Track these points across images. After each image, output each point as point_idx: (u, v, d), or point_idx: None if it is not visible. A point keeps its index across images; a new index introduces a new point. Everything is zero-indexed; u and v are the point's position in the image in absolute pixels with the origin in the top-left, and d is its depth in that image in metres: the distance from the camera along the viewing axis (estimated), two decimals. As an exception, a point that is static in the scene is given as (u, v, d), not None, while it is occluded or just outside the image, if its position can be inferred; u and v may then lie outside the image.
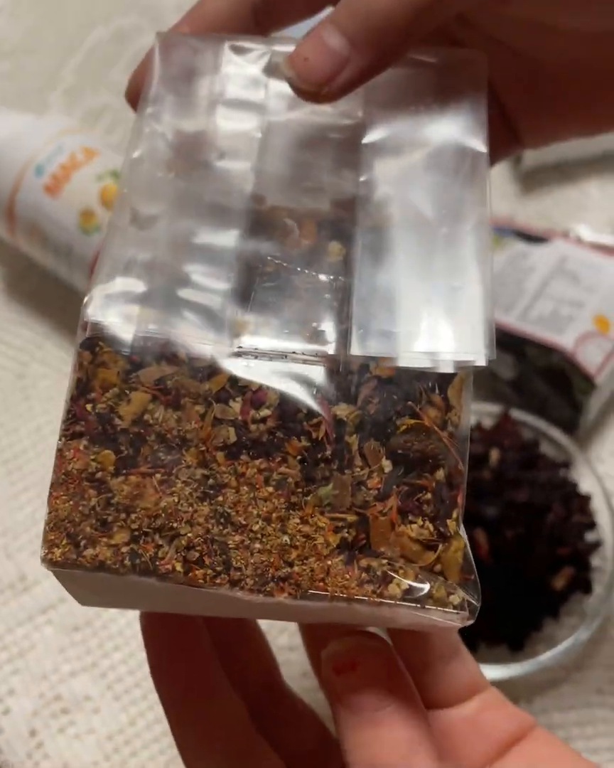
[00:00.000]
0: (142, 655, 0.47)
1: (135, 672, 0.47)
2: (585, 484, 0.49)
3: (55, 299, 0.58)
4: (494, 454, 0.49)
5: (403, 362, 0.24)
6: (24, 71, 0.68)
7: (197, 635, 0.28)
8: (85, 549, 0.23)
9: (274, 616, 0.26)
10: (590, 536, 0.49)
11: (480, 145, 0.27)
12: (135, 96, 0.30)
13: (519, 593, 0.46)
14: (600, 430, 0.54)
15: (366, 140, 0.28)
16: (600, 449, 0.53)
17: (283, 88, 0.27)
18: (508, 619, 0.47)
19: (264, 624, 0.33)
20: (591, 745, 0.45)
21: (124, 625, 0.48)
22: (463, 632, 0.28)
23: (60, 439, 0.24)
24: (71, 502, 0.24)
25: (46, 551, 0.23)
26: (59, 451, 0.24)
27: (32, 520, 0.51)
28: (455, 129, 0.27)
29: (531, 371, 0.51)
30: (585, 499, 0.49)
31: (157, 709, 0.46)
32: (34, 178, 0.53)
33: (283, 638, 0.47)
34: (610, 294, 0.52)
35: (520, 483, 0.47)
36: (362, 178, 0.27)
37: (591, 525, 0.49)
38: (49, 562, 0.23)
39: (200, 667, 0.28)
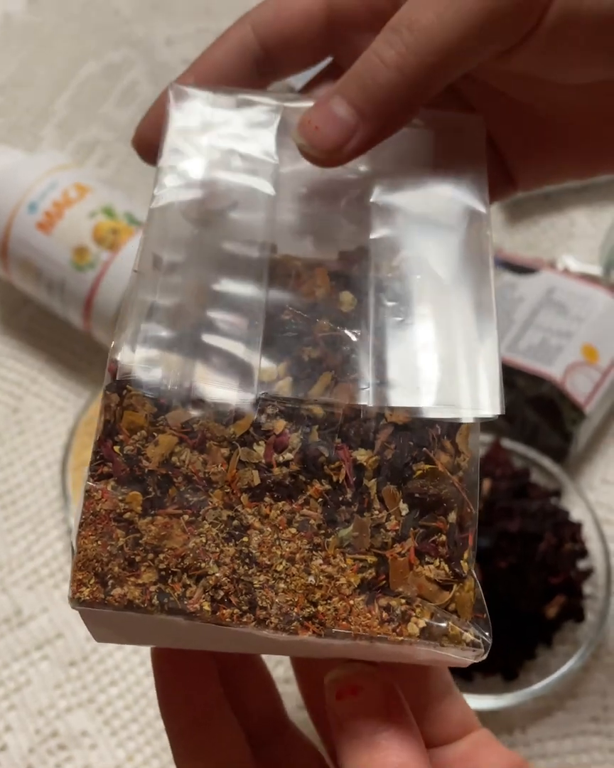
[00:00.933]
0: (139, 689, 0.48)
1: (132, 707, 0.47)
2: (576, 512, 0.50)
3: (49, 333, 0.58)
4: (486, 484, 0.49)
5: (420, 414, 0.26)
6: (16, 106, 0.68)
7: (206, 668, 0.29)
8: (113, 588, 0.24)
9: (294, 652, 0.27)
10: (582, 564, 0.49)
11: (481, 207, 0.29)
12: (142, 143, 0.31)
13: (513, 622, 0.47)
14: (590, 458, 0.54)
15: (373, 199, 0.29)
16: (590, 477, 0.54)
17: (291, 141, 0.29)
18: (502, 648, 0.47)
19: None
20: (587, 773, 0.46)
21: (121, 660, 0.48)
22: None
23: (88, 480, 0.25)
24: (99, 542, 0.24)
25: (75, 590, 0.24)
26: (87, 491, 0.25)
27: (27, 554, 0.51)
28: (457, 191, 0.29)
29: (521, 401, 0.52)
30: (577, 527, 0.49)
31: (155, 744, 0.46)
32: (26, 215, 0.53)
33: (278, 671, 0.47)
34: (598, 323, 0.53)
35: (512, 512, 0.48)
36: (372, 236, 0.28)
37: (583, 553, 0.49)
38: (77, 601, 0.24)
39: (207, 701, 0.28)
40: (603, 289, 0.54)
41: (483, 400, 0.26)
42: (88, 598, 0.24)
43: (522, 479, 0.50)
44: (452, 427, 0.26)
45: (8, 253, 0.54)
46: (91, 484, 0.25)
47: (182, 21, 0.72)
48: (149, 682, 0.48)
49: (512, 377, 0.52)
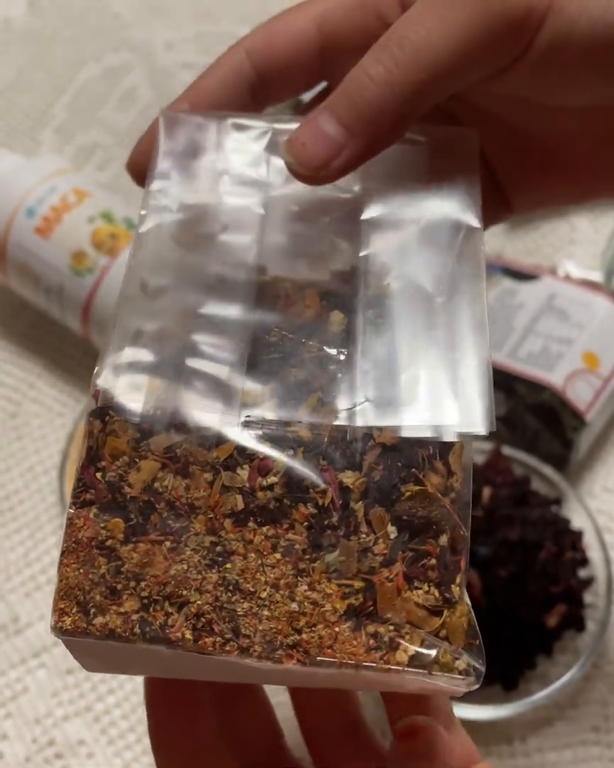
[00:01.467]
0: (137, 698, 0.47)
1: (129, 716, 0.47)
2: (577, 520, 0.50)
3: (47, 338, 0.58)
4: (486, 492, 0.49)
5: (407, 433, 0.25)
6: (15, 109, 0.68)
7: (200, 702, 0.29)
8: (95, 617, 0.24)
9: (280, 681, 0.26)
10: (582, 573, 0.49)
11: (474, 221, 0.28)
12: (136, 168, 0.31)
13: (513, 632, 0.47)
14: (591, 466, 0.54)
15: (365, 216, 0.29)
16: (591, 485, 0.53)
17: (282, 164, 0.28)
18: (502, 657, 0.47)
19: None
20: (587, 783, 0.45)
21: (118, 668, 0.48)
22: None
23: (70, 507, 0.24)
24: (81, 570, 0.24)
25: (56, 620, 0.24)
26: (69, 519, 0.24)
27: (25, 561, 0.51)
28: (450, 206, 0.28)
29: (521, 408, 0.52)
30: (577, 536, 0.49)
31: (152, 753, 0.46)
32: (25, 220, 0.53)
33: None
34: (599, 330, 0.53)
35: (512, 520, 0.47)
36: (362, 254, 0.28)
37: (584, 561, 0.49)
38: (59, 631, 0.24)
39: (199, 735, 0.28)
40: (604, 295, 0.54)
41: (472, 418, 0.25)
42: (70, 627, 0.23)
43: (523, 487, 0.50)
44: (444, 447, 0.25)
45: (6, 257, 0.54)
46: (72, 511, 0.24)
47: (182, 24, 0.72)
48: (147, 690, 0.48)
49: (512, 384, 0.52)
